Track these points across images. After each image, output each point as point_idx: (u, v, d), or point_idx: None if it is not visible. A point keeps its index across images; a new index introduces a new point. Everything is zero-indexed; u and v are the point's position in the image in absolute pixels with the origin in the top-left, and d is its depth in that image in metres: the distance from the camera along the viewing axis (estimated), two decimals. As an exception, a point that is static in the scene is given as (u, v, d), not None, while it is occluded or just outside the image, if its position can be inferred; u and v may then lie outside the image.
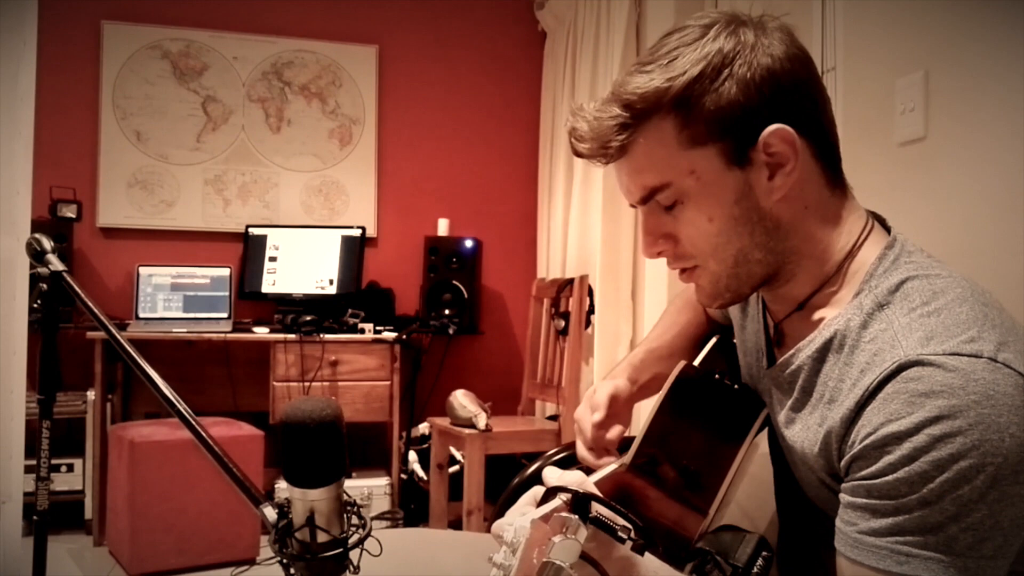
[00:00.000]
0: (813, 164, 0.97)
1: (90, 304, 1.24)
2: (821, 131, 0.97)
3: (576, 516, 0.72)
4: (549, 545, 0.70)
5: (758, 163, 0.94)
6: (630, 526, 0.78)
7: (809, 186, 0.97)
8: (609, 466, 1.06)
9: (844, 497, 0.88)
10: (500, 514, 1.02)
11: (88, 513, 3.65)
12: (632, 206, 1.02)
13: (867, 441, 0.84)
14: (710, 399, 1.16)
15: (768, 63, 0.92)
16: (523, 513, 0.83)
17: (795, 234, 0.97)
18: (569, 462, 1.29)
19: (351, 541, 0.88)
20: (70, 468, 3.67)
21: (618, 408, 1.26)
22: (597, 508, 0.76)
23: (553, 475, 0.90)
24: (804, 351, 0.99)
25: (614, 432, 1.23)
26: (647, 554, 0.83)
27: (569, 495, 0.76)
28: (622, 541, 0.77)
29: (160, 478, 3.14)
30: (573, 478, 0.86)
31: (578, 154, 1.00)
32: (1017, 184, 1.66)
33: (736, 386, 1.19)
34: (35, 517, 1.50)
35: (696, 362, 1.28)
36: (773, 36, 0.94)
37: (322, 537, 0.86)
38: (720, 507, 1.03)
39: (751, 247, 0.96)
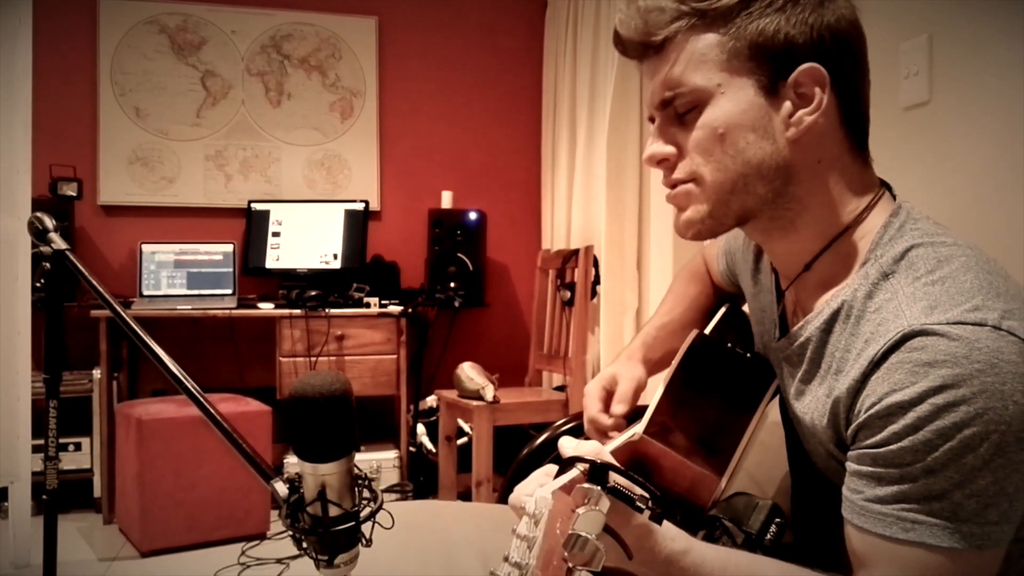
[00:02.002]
0: (837, 124, 0.96)
1: (94, 282, 1.23)
2: (855, 99, 0.97)
3: (598, 487, 0.72)
4: (573, 517, 0.69)
5: (784, 97, 0.93)
6: (647, 495, 0.78)
7: (827, 141, 0.96)
8: (623, 435, 1.06)
9: (850, 465, 0.88)
10: (510, 485, 1.02)
11: (97, 491, 3.67)
12: (650, 119, 1.02)
13: (872, 411, 0.85)
14: (723, 368, 1.16)
15: (829, 17, 0.93)
16: (541, 484, 0.83)
17: (801, 183, 0.96)
18: (579, 431, 1.29)
19: (363, 515, 0.88)
20: (78, 447, 3.68)
21: (638, 396, 1.27)
22: (614, 477, 0.76)
23: (569, 445, 0.90)
24: (813, 323, 0.98)
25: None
26: (664, 523, 0.83)
27: (586, 465, 0.75)
28: (640, 510, 0.77)
29: (168, 455, 3.15)
30: (589, 448, 0.86)
31: (621, 43, 1.00)
32: (1022, 147, 1.65)
33: (748, 355, 1.19)
34: (44, 496, 1.50)
35: (707, 331, 1.27)
36: (841, 2, 0.95)
37: (334, 511, 0.86)
38: (732, 475, 1.03)
39: (755, 178, 0.95)
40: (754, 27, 0.92)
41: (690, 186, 0.98)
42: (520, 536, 0.72)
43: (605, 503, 0.71)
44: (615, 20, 1.00)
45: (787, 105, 0.93)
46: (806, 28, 0.92)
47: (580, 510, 0.70)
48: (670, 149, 0.98)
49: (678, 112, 0.97)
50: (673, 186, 1.00)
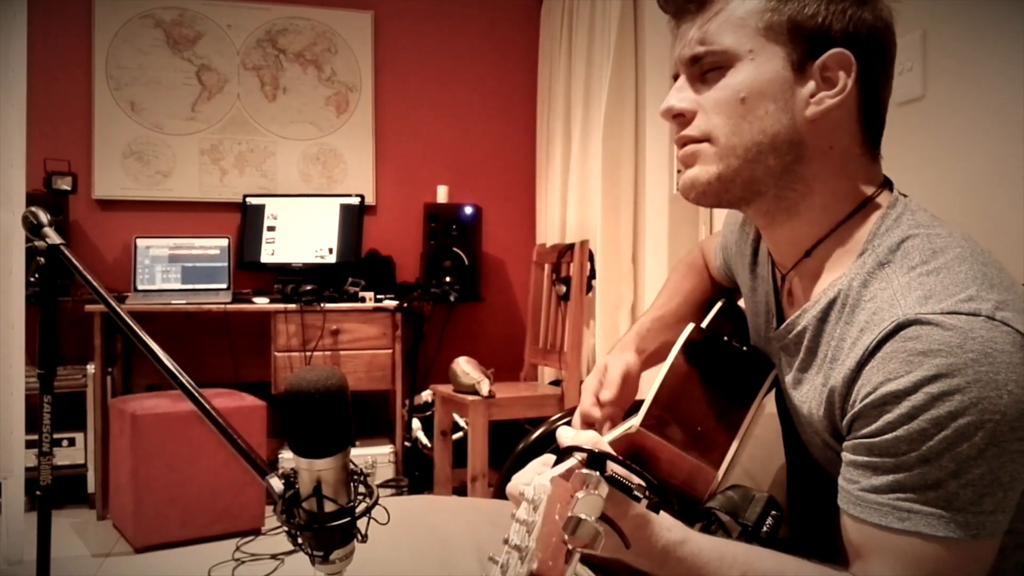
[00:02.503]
0: (855, 116, 0.97)
1: (89, 277, 1.23)
2: (875, 97, 0.98)
3: (597, 472, 0.72)
4: (572, 501, 0.69)
5: (810, 77, 0.94)
6: (645, 484, 0.78)
7: (842, 131, 0.96)
8: (620, 428, 1.06)
9: (846, 455, 0.89)
10: (506, 480, 1.02)
11: (91, 487, 3.67)
12: (674, 77, 1.02)
13: (867, 400, 0.85)
14: (719, 361, 1.16)
15: (867, 15, 0.95)
16: (539, 473, 0.83)
17: (811, 164, 0.96)
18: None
19: (358, 510, 0.88)
20: (71, 442, 3.68)
21: (629, 384, 1.26)
22: (612, 466, 0.76)
23: (567, 435, 0.90)
24: (809, 312, 0.99)
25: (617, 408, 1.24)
26: (661, 513, 0.83)
27: (584, 454, 0.76)
28: (637, 499, 0.77)
29: (162, 450, 3.15)
30: (587, 438, 0.86)
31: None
32: (1015, 143, 1.66)
33: (744, 348, 1.19)
34: (38, 492, 1.50)
35: (703, 325, 1.27)
36: (882, 4, 0.97)
37: (329, 507, 0.86)
38: (729, 468, 1.03)
39: (768, 148, 0.95)
40: (796, 5, 0.93)
41: (704, 145, 0.98)
42: (520, 520, 0.72)
43: (604, 488, 0.71)
44: None
45: (811, 85, 0.94)
46: (844, 18, 0.93)
47: (579, 494, 0.70)
48: (689, 104, 0.99)
49: (704, 70, 0.97)
50: (684, 144, 1.00)
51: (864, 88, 0.96)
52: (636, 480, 0.79)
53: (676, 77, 1.02)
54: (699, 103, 0.98)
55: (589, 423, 1.23)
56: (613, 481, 0.74)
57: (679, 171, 1.02)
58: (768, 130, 0.94)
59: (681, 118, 0.99)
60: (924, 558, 0.82)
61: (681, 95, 0.99)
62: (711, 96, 0.97)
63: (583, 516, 0.69)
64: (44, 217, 1.35)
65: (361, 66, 4.47)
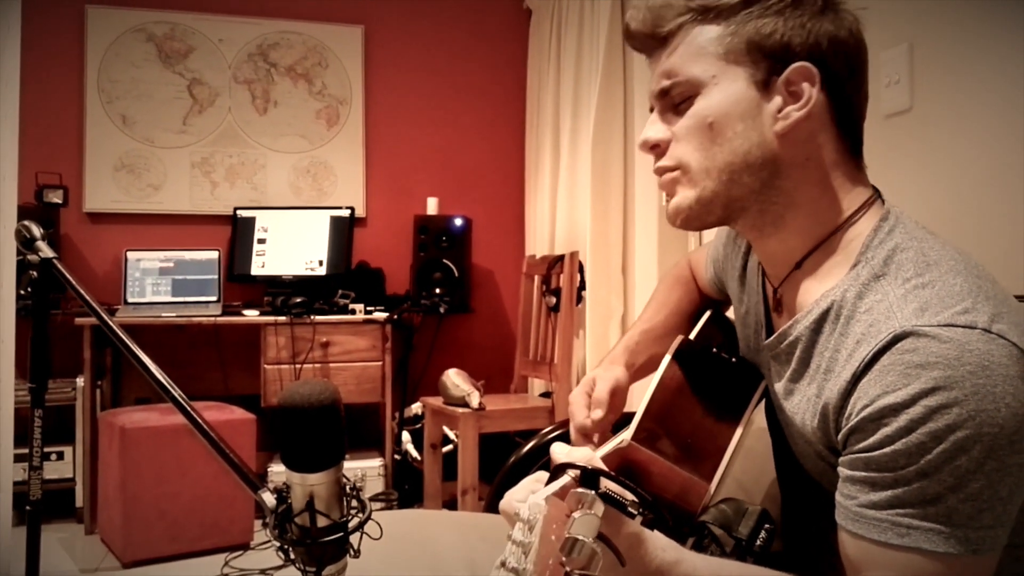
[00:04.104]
0: (829, 125, 0.98)
1: (82, 291, 1.22)
2: (848, 104, 0.99)
3: (592, 491, 0.72)
4: (568, 521, 0.69)
5: (776, 93, 0.96)
6: (639, 501, 0.78)
7: (817, 141, 0.97)
8: (611, 442, 1.06)
9: (843, 471, 0.88)
10: (497, 494, 1.02)
11: (79, 501, 3.64)
12: (651, 109, 1.05)
13: (864, 413, 0.85)
14: (709, 373, 1.16)
15: (828, 25, 0.96)
16: (533, 491, 0.83)
17: (789, 177, 0.97)
18: (566, 438, 1.29)
19: (351, 525, 0.87)
20: (60, 456, 3.65)
21: (618, 399, 1.27)
22: (606, 483, 0.76)
23: (561, 451, 0.90)
24: (802, 322, 0.99)
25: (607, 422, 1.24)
26: (655, 532, 0.83)
27: (578, 471, 0.76)
28: (632, 516, 0.77)
29: (152, 464, 3.13)
30: (581, 454, 0.86)
31: (631, 37, 1.04)
32: (1003, 153, 1.67)
33: (734, 359, 1.19)
34: (28, 507, 1.49)
35: (692, 336, 1.27)
36: (844, 12, 0.98)
37: (322, 521, 0.86)
38: (721, 481, 1.03)
39: (741, 168, 0.96)
40: (752, 26, 0.95)
41: (676, 174, 1.00)
42: (516, 542, 0.72)
43: (599, 507, 0.71)
44: (627, 16, 1.04)
45: (777, 100, 0.95)
46: (803, 32, 0.95)
47: (575, 514, 0.70)
48: (662, 135, 1.01)
49: (674, 102, 0.99)
50: (661, 174, 1.02)
51: (834, 97, 0.97)
52: (630, 496, 0.79)
53: (652, 109, 1.04)
54: (672, 133, 1.00)
55: (586, 435, 1.23)
56: (607, 498, 0.74)
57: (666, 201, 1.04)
58: (739, 150, 0.96)
59: (656, 149, 1.02)
60: (924, 574, 0.81)
61: (655, 127, 1.02)
62: (682, 125, 0.99)
63: (580, 537, 0.68)
64: (37, 231, 1.35)
65: (352, 80, 4.48)
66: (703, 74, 0.96)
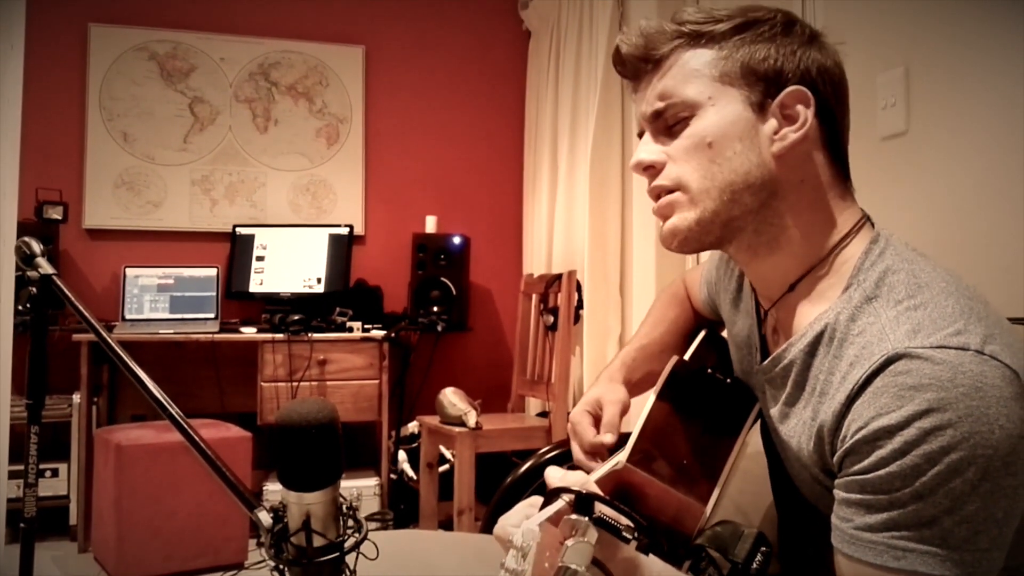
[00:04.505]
0: (821, 147, 1.00)
1: (81, 308, 1.23)
2: (836, 131, 1.01)
3: (586, 518, 0.71)
4: (562, 549, 0.69)
5: (771, 115, 0.97)
6: (633, 525, 0.78)
7: (810, 164, 0.99)
8: (607, 463, 1.06)
9: (838, 493, 0.88)
10: (493, 514, 1.01)
11: (73, 519, 3.62)
12: (639, 134, 1.05)
13: (858, 436, 0.85)
14: (704, 394, 1.16)
15: (816, 54, 0.99)
16: (527, 516, 0.82)
17: (786, 198, 0.98)
18: (564, 459, 1.29)
19: (347, 545, 0.87)
20: (55, 473, 3.64)
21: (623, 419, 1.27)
22: (600, 508, 0.76)
23: (556, 475, 0.90)
24: (796, 346, 0.99)
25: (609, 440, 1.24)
26: (651, 556, 0.82)
27: (572, 496, 0.75)
28: (626, 540, 0.77)
29: (147, 482, 3.12)
30: (576, 479, 0.86)
31: (621, 62, 1.05)
32: (997, 177, 1.68)
33: (728, 380, 1.19)
34: (22, 524, 1.48)
35: (686, 357, 1.27)
36: (828, 44, 1.02)
37: (318, 541, 0.85)
38: (717, 503, 1.03)
39: (742, 187, 0.97)
40: (746, 51, 0.97)
41: (676, 195, 1.00)
42: (508, 570, 0.72)
43: (593, 534, 0.71)
44: (618, 40, 1.05)
45: (772, 122, 0.97)
46: (795, 59, 0.97)
47: (569, 542, 0.69)
48: (657, 156, 1.01)
49: (668, 124, 1.00)
50: (658, 196, 1.02)
51: (824, 121, 0.99)
52: (624, 521, 0.78)
53: (642, 134, 1.05)
54: (667, 154, 1.01)
55: (596, 455, 1.22)
56: (601, 523, 0.73)
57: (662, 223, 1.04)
58: (739, 169, 0.97)
59: (651, 170, 1.02)
60: None
61: (649, 148, 1.02)
62: (678, 145, 1.00)
63: (573, 566, 0.68)
64: (37, 247, 1.35)
65: (352, 99, 4.50)
66: (699, 95, 0.98)
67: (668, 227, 1.02)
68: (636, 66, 1.03)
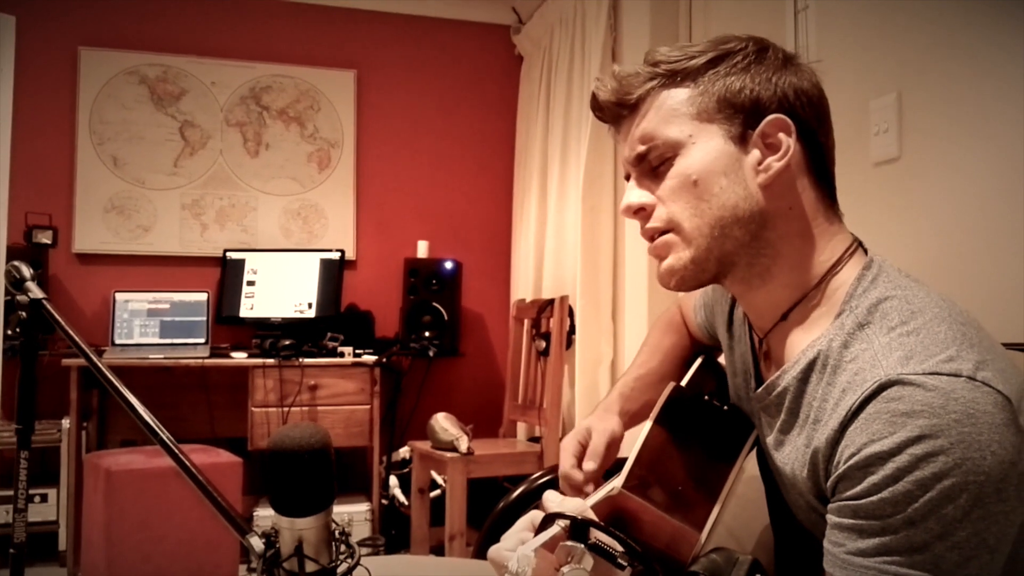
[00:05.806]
0: (806, 173, 1.00)
1: (71, 332, 1.22)
2: (820, 153, 1.01)
3: (581, 545, 0.71)
4: (557, 575, 0.69)
5: (753, 146, 0.98)
6: (628, 552, 0.77)
7: (797, 190, 0.99)
8: (603, 489, 1.05)
9: (831, 518, 0.88)
10: (486, 540, 1.01)
11: (62, 544, 3.59)
12: (626, 177, 1.06)
13: (851, 461, 0.85)
14: (700, 420, 1.16)
15: (791, 77, 1.00)
16: (522, 541, 0.82)
17: (775, 228, 0.99)
18: (556, 485, 1.29)
19: (340, 570, 0.87)
20: (44, 498, 3.60)
21: (612, 450, 1.27)
22: (596, 534, 0.75)
23: (554, 500, 0.89)
24: (789, 373, 0.99)
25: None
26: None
27: (567, 521, 0.75)
28: (621, 567, 0.77)
29: (137, 507, 3.09)
30: (573, 504, 0.85)
31: (598, 107, 1.06)
32: (990, 201, 1.69)
33: (725, 407, 1.19)
34: (12, 550, 1.47)
35: (683, 383, 1.27)
36: (803, 65, 1.02)
37: (310, 567, 0.85)
38: (712, 529, 1.02)
39: (731, 221, 0.98)
40: (721, 84, 0.98)
41: (669, 235, 1.01)
42: None
43: (588, 561, 0.71)
44: (593, 86, 1.06)
45: (755, 153, 0.97)
46: (770, 85, 0.98)
47: (564, 569, 0.69)
48: (647, 198, 1.02)
49: (653, 165, 1.01)
50: (652, 238, 1.03)
51: (808, 146, 1.00)
52: (620, 547, 0.78)
53: (628, 177, 1.06)
54: (656, 195, 1.02)
55: (572, 484, 1.23)
56: (596, 549, 0.73)
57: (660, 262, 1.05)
58: (727, 203, 0.97)
59: (642, 212, 1.03)
60: None
61: (637, 191, 1.03)
62: (665, 186, 1.00)
63: None
64: (27, 271, 1.35)
65: (343, 123, 4.51)
66: (679, 134, 0.98)
67: (665, 267, 1.03)
68: (614, 111, 1.04)
